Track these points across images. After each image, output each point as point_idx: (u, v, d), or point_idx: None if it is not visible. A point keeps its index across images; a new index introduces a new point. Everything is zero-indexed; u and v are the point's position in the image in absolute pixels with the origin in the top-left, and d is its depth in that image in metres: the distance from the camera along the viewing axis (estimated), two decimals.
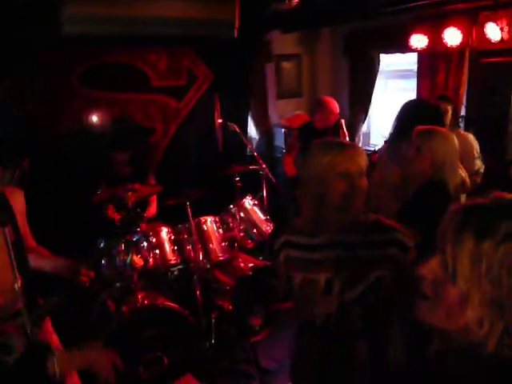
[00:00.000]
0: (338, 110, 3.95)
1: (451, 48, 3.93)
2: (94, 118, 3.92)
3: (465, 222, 0.76)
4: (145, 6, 2.66)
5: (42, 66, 3.49)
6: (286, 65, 5.26)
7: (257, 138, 5.05)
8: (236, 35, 2.86)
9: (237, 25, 2.80)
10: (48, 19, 2.46)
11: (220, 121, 3.75)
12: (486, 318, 0.72)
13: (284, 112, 5.26)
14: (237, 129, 3.75)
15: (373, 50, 4.79)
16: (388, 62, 5.12)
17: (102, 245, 3.08)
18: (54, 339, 2.09)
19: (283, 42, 5.15)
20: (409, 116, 2.71)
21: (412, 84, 4.81)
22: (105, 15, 2.47)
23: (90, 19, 2.46)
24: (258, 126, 5.00)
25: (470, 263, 0.73)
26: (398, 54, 4.78)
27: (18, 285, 1.59)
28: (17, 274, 1.60)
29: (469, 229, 0.74)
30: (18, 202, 1.91)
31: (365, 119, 5.06)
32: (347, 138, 3.76)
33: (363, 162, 1.44)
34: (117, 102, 4.00)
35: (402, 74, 5.22)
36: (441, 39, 3.98)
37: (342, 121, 3.87)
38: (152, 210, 3.63)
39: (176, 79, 4.30)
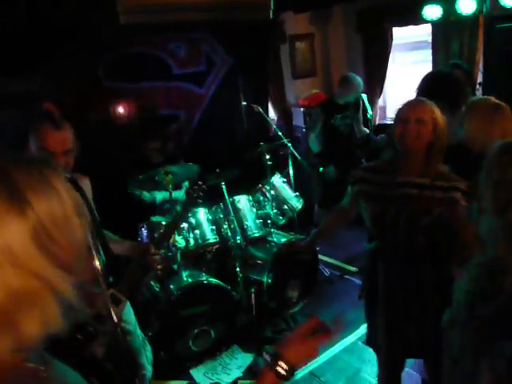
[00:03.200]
0: (362, 87, 4.04)
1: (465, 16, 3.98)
2: (121, 109, 4.03)
3: None
4: None
5: (72, 58, 3.60)
6: (300, 45, 5.32)
7: (275, 118, 5.14)
8: (271, 16, 2.94)
9: (271, 6, 2.88)
10: (106, 9, 2.56)
11: (244, 103, 3.86)
12: None
13: (300, 92, 5.34)
14: (261, 110, 3.85)
15: (386, 23, 4.84)
16: (400, 34, 5.16)
17: (143, 229, 3.23)
18: None
19: (296, 22, 5.21)
20: (428, 87, 2.78)
21: (426, 55, 4.86)
22: (156, 4, 2.57)
23: (143, 9, 2.56)
24: (276, 106, 5.09)
25: None
26: (410, 27, 4.82)
27: (97, 264, 1.71)
28: (95, 255, 1.72)
29: None
30: (87, 188, 2.02)
31: (380, 93, 5.13)
32: (369, 113, 3.86)
33: (424, 113, 1.74)
34: (141, 91, 4.10)
35: (416, 46, 5.26)
36: (454, 8, 4.03)
37: (364, 96, 3.96)
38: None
39: (196, 66, 4.39)
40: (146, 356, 2.35)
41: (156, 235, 3.05)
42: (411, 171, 1.80)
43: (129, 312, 2.23)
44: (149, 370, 2.38)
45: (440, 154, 1.78)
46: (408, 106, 1.81)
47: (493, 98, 2.21)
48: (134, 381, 2.04)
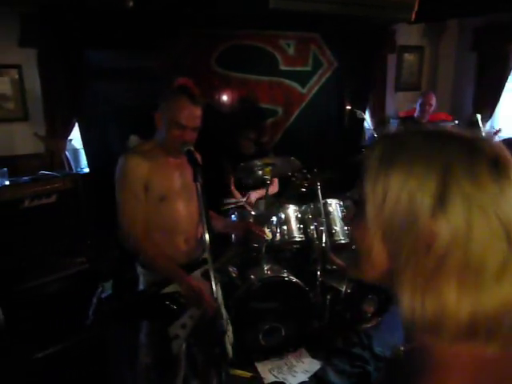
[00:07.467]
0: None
1: None
2: (226, 96, 4.11)
3: None
4: None
5: (190, 43, 3.74)
6: (408, 56, 5.14)
7: (371, 128, 5.00)
8: (413, 18, 2.84)
9: (416, 8, 2.78)
10: None
11: (349, 107, 3.78)
12: None
13: (400, 104, 5.16)
14: (364, 116, 3.76)
15: (507, 43, 4.53)
16: None
17: (233, 217, 3.26)
18: None
19: (407, 33, 5.03)
20: None
21: None
22: None
23: None
24: (374, 116, 4.94)
25: None
26: None
27: (206, 236, 1.74)
28: (205, 226, 1.75)
29: None
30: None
31: (490, 117, 4.81)
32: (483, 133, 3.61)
33: None
34: (247, 82, 4.16)
35: None
36: None
37: (478, 116, 3.73)
38: (274, 187, 3.73)
39: (302, 64, 4.38)
40: (228, 336, 2.36)
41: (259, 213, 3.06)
42: None
43: (218, 291, 2.26)
44: (229, 350, 2.38)
45: None
46: None
47: None
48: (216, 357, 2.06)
